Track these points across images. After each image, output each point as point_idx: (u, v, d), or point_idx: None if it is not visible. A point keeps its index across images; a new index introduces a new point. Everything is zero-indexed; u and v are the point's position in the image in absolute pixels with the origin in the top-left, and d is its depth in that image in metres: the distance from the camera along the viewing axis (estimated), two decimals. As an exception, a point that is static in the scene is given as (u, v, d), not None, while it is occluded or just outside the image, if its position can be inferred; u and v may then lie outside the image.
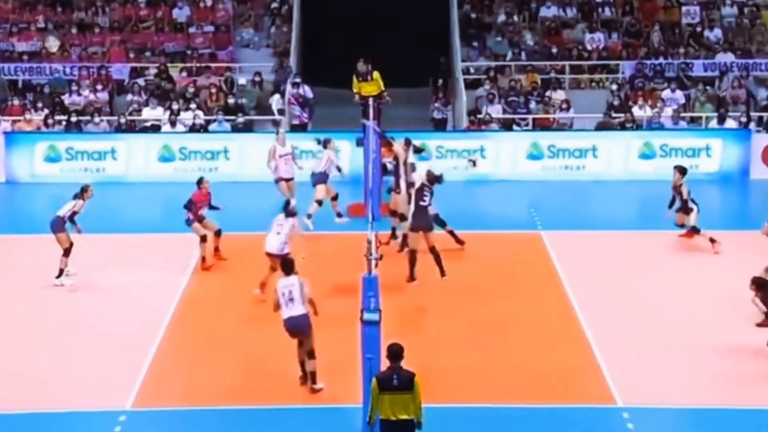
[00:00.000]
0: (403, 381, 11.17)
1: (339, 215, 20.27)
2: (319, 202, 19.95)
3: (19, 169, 24.84)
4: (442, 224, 18.82)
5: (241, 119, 26.04)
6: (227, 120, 25.93)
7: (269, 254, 16.47)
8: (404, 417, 11.17)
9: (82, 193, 17.74)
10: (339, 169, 20.66)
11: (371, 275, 12.39)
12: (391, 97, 21.97)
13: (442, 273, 17.28)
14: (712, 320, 16.17)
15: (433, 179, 17.62)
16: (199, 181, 18.64)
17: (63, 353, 14.96)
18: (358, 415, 12.38)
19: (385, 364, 11.63)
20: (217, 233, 18.60)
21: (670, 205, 19.39)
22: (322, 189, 20.05)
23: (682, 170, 19.64)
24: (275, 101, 26.55)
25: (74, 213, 17.56)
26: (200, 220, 18.42)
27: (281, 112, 26.14)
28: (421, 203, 17.40)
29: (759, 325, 15.73)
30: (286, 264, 14.03)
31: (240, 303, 16.76)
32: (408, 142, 19.43)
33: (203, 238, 18.27)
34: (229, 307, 16.67)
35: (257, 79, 27.24)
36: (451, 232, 19.05)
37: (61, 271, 17.38)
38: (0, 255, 17.53)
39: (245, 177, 24.25)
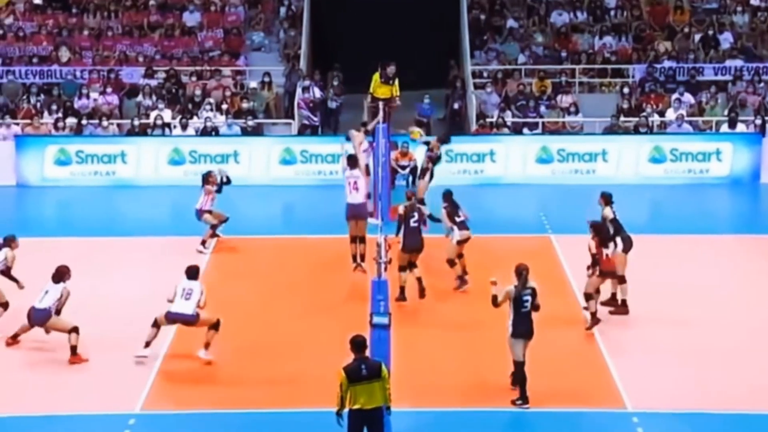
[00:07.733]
0: (371, 370, 11.42)
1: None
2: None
3: (30, 173, 24.87)
4: None
5: (251, 122, 25.99)
6: (236, 123, 25.90)
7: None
8: (375, 405, 11.40)
9: (9, 243, 16.02)
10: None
11: (381, 279, 12.37)
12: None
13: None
14: (732, 321, 16.22)
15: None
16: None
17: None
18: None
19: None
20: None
21: None
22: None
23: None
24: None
25: (8, 268, 15.83)
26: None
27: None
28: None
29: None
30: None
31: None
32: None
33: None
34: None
35: (266, 80, 27.21)
36: None
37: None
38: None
39: (253, 180, 24.32)
